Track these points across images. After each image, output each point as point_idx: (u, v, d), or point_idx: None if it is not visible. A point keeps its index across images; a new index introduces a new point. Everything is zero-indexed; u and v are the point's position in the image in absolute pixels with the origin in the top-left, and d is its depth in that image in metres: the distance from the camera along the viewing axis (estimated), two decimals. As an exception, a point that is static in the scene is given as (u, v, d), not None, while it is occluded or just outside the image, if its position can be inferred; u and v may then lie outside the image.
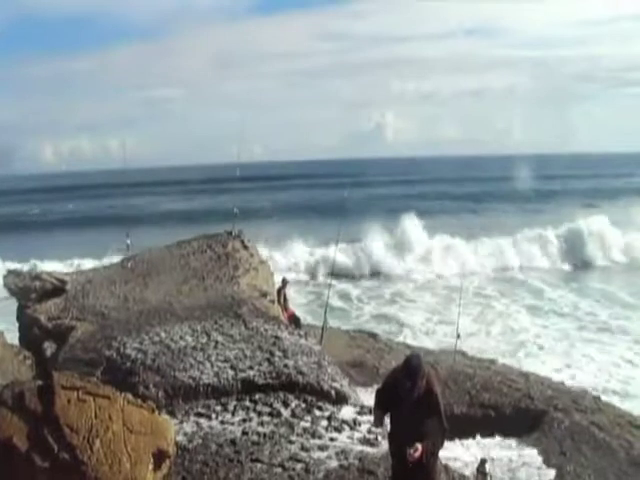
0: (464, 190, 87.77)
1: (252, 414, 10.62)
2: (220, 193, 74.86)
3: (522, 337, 24.77)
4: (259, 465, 8.76)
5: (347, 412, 10.87)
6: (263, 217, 55.71)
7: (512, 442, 11.43)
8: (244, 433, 9.86)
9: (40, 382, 8.16)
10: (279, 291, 18.27)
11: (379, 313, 29.65)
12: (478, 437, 11.97)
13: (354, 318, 28.41)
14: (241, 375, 11.63)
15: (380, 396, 7.06)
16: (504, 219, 55.82)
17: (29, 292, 16.87)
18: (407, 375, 6.60)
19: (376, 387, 7.48)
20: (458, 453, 10.57)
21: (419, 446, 6.57)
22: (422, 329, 26.41)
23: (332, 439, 9.82)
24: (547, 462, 10.57)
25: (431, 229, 44.31)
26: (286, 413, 10.66)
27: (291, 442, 9.52)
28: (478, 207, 70.39)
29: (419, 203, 66.72)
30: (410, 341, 22.77)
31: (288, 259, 40.14)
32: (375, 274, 39.48)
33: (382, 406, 6.96)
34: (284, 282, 18.66)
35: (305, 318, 21.10)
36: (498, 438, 11.77)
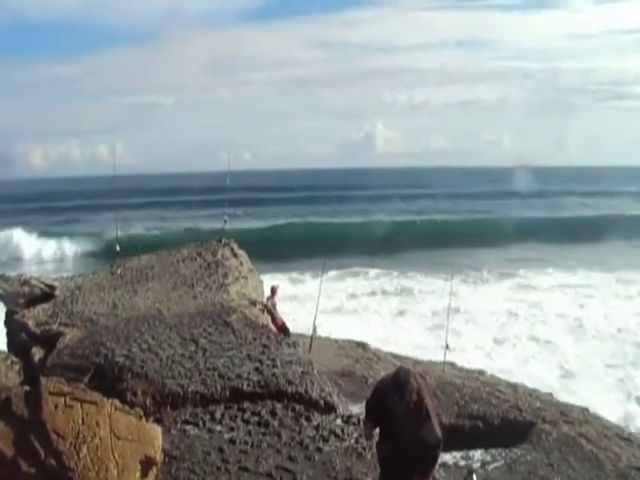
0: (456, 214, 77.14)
1: (240, 423, 10.59)
2: (209, 203, 73.70)
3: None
4: (246, 474, 8.75)
5: (335, 422, 10.86)
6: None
7: (500, 453, 11.42)
8: (231, 441, 9.83)
9: (27, 388, 8.13)
10: (268, 299, 18.20)
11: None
12: (466, 448, 11.96)
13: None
14: (229, 383, 11.60)
15: (370, 409, 7.06)
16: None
17: (17, 297, 16.76)
18: (395, 390, 6.62)
19: (365, 399, 7.47)
20: (445, 464, 10.56)
21: None
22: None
23: (319, 449, 9.81)
24: (535, 474, 10.58)
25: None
26: (274, 422, 10.64)
27: (278, 451, 9.51)
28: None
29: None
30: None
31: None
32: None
33: (372, 419, 6.95)
34: (273, 290, 18.57)
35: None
36: (486, 449, 11.77)
